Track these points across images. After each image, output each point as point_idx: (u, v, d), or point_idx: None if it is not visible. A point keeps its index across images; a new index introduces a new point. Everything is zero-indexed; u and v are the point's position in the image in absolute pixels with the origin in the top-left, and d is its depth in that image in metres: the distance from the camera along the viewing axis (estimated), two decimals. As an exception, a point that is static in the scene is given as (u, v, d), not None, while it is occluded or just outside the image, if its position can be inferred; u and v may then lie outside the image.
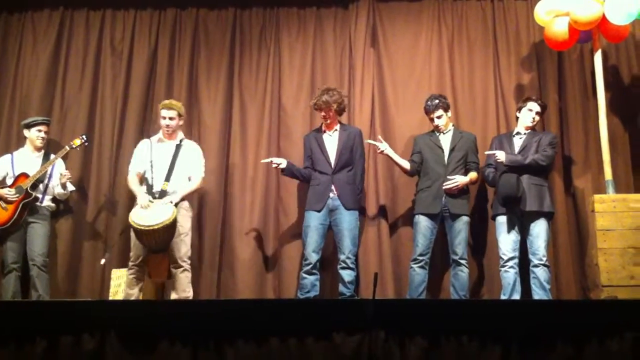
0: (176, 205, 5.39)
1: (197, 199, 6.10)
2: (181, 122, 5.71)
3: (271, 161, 5.72)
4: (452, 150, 5.61)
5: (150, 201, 5.36)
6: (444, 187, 5.47)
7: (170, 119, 5.61)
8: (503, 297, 5.36)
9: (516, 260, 5.38)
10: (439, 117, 5.65)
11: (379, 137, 5.83)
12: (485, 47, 6.41)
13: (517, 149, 5.57)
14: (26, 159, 5.92)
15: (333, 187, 5.60)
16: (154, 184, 5.51)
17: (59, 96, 6.51)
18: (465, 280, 5.46)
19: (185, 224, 5.48)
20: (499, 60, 6.37)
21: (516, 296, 5.32)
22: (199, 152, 5.73)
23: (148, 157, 5.60)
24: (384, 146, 5.66)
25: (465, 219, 5.52)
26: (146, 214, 5.26)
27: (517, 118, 5.72)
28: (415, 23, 6.52)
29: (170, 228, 5.26)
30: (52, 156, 5.84)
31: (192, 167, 5.63)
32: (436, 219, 5.53)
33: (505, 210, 5.41)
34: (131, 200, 6.03)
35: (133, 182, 5.59)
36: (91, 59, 6.58)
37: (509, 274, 5.35)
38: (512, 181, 5.34)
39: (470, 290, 5.68)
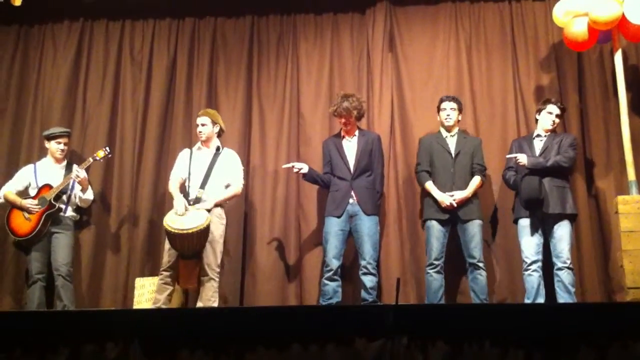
0: (209, 210, 5.42)
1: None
2: (216, 130, 5.73)
3: (292, 166, 5.73)
4: (457, 154, 5.60)
5: (185, 209, 5.40)
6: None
7: (202, 125, 5.68)
8: (527, 300, 5.31)
9: (540, 264, 5.34)
10: (452, 109, 5.65)
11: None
12: (504, 50, 6.37)
13: (537, 151, 5.53)
14: (49, 170, 5.98)
15: (352, 193, 5.60)
16: (190, 191, 5.56)
17: (80, 107, 6.58)
18: (484, 283, 5.43)
19: (217, 232, 5.49)
20: (518, 62, 6.32)
21: (540, 300, 5.28)
22: (237, 160, 5.76)
23: (187, 165, 5.66)
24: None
25: (478, 222, 5.50)
26: (181, 219, 5.31)
27: (536, 120, 5.68)
28: (432, 27, 6.50)
29: (203, 234, 5.29)
30: (75, 166, 5.90)
31: (231, 174, 5.66)
32: (447, 223, 5.51)
33: (528, 213, 5.37)
34: (153, 209, 6.10)
35: (173, 187, 5.63)
36: (111, 69, 6.64)
37: (533, 277, 5.31)
38: (535, 184, 5.31)
39: (495, 294, 5.65)
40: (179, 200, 5.46)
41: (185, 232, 5.20)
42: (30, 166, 6.06)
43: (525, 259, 5.37)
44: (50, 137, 5.98)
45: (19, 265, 6.09)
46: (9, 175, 6.19)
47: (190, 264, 5.44)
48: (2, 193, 5.94)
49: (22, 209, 5.78)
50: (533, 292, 5.28)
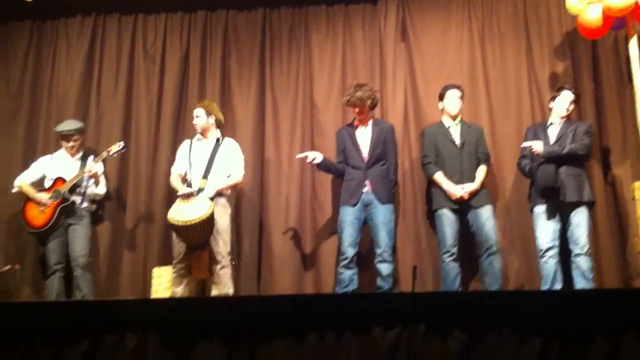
0: (212, 199, 5.44)
1: (234, 198, 6.15)
2: (211, 120, 5.75)
3: (306, 156, 5.74)
4: (463, 143, 5.59)
5: (190, 192, 5.43)
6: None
7: (196, 117, 5.72)
8: (544, 288, 5.28)
9: (556, 250, 5.31)
10: (459, 98, 5.64)
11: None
12: (517, 38, 6.34)
13: (552, 139, 5.50)
14: (64, 162, 6.03)
15: (367, 182, 5.60)
16: (192, 182, 5.59)
17: (94, 101, 6.61)
18: (499, 269, 5.41)
19: (222, 221, 5.52)
20: (532, 50, 6.29)
21: (558, 287, 5.25)
22: (237, 149, 5.78)
23: (187, 156, 5.70)
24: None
25: (489, 206, 5.50)
26: (183, 211, 5.33)
27: (550, 108, 5.66)
28: (445, 16, 6.49)
29: (207, 223, 5.32)
30: (90, 158, 5.93)
31: (231, 164, 5.69)
32: (458, 211, 5.50)
33: (544, 200, 5.34)
34: (168, 199, 6.12)
35: (174, 180, 5.69)
36: (125, 63, 6.67)
37: (549, 265, 5.29)
38: (550, 172, 5.28)
39: (511, 282, 5.63)
40: (182, 186, 5.52)
41: (188, 223, 5.24)
42: (47, 157, 6.12)
43: (541, 247, 5.34)
44: (61, 136, 6.03)
45: (38, 256, 6.12)
46: (25, 169, 6.22)
47: (200, 255, 5.48)
48: (17, 183, 5.98)
49: (35, 201, 5.82)
50: (550, 279, 5.26)
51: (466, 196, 5.45)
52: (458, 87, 5.75)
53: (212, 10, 6.76)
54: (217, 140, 5.74)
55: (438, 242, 5.62)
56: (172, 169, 5.79)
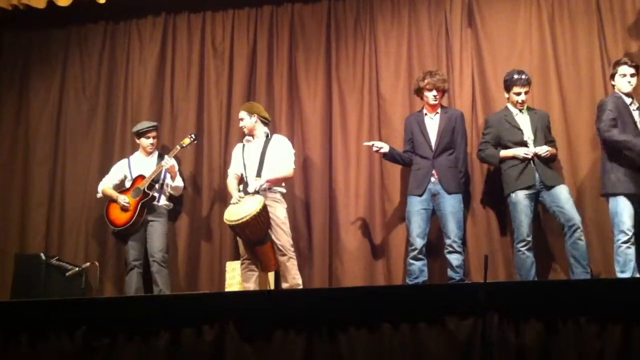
0: (263, 192, 5.57)
1: (303, 191, 6.25)
2: (254, 119, 5.84)
3: (372, 144, 5.74)
4: (535, 130, 5.46)
5: (240, 197, 5.58)
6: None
7: (240, 119, 5.88)
8: (622, 275, 5.11)
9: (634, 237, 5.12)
10: (527, 93, 5.52)
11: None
12: (589, 18, 6.13)
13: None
14: (142, 162, 6.25)
15: (434, 172, 5.56)
16: (248, 181, 5.72)
17: (168, 100, 6.78)
18: (584, 248, 5.24)
19: (280, 214, 5.63)
20: (604, 30, 6.08)
21: (638, 274, 5.09)
22: (286, 144, 5.87)
23: (241, 158, 5.84)
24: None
25: (565, 186, 5.37)
26: (235, 210, 5.48)
27: (613, 87, 5.45)
28: (513, -2, 6.35)
29: (259, 217, 5.43)
30: (166, 156, 6.12)
31: (281, 158, 5.77)
32: (533, 196, 5.36)
33: (624, 188, 5.14)
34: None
35: (230, 183, 5.85)
36: (195, 61, 6.81)
37: (631, 250, 5.08)
38: None
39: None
40: (234, 193, 5.68)
41: (241, 221, 5.37)
42: (125, 160, 6.35)
43: (627, 231, 5.10)
44: (139, 134, 6.23)
45: (120, 254, 6.38)
46: (103, 169, 6.52)
47: (264, 250, 5.61)
48: (100, 189, 6.25)
49: (118, 201, 6.05)
50: (631, 266, 5.07)
51: (541, 152, 5.35)
52: (525, 72, 5.59)
53: (278, 5, 6.81)
54: (267, 137, 5.86)
55: (512, 231, 5.53)
56: (229, 171, 5.95)
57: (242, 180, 5.83)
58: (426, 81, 5.65)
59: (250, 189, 5.63)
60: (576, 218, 5.28)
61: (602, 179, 5.32)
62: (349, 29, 6.64)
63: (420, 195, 5.55)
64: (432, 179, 5.56)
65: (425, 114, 5.75)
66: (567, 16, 6.20)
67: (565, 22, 6.19)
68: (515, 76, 5.53)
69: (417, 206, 5.54)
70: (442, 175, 5.54)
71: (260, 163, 5.72)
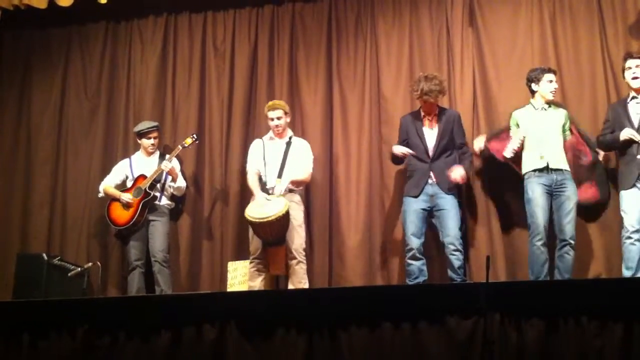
0: (289, 192, 5.59)
1: (304, 190, 6.22)
2: (288, 119, 5.86)
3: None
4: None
5: (267, 199, 5.56)
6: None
7: (278, 118, 5.78)
8: (626, 271, 5.10)
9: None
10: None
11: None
12: (590, 17, 6.12)
13: (633, 115, 5.25)
14: (143, 161, 6.25)
15: (432, 174, 5.55)
16: (267, 181, 5.72)
17: (169, 100, 6.77)
18: (571, 262, 5.25)
19: (298, 217, 5.65)
20: (605, 29, 6.07)
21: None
22: (307, 148, 5.90)
23: (261, 156, 5.82)
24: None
25: (575, 198, 5.32)
26: (260, 207, 5.47)
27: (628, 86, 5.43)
28: (514, -3, 6.35)
29: (283, 219, 5.43)
30: (167, 156, 6.13)
31: (301, 162, 5.78)
32: (549, 191, 5.33)
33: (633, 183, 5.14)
34: (241, 193, 6.26)
35: (252, 182, 5.78)
36: (197, 61, 6.80)
37: (636, 247, 5.09)
38: None
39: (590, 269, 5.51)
40: (258, 193, 5.63)
41: (266, 219, 5.37)
42: (126, 160, 6.35)
43: (629, 227, 5.09)
44: (140, 134, 6.23)
45: (122, 255, 6.38)
46: (104, 169, 6.52)
47: (277, 251, 5.62)
48: (101, 188, 6.26)
49: (119, 200, 6.06)
50: (635, 262, 5.05)
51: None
52: (554, 72, 5.60)
53: (279, 4, 6.81)
54: (290, 139, 5.85)
55: (528, 226, 5.41)
56: (248, 167, 5.90)
57: (259, 179, 5.81)
58: (421, 86, 5.55)
59: (277, 192, 5.60)
60: (570, 233, 5.26)
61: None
62: (349, 28, 6.63)
63: (416, 196, 5.54)
64: (430, 181, 5.55)
65: (424, 117, 5.72)
66: (568, 15, 6.19)
67: (567, 21, 6.18)
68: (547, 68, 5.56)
69: (413, 206, 5.53)
70: (440, 178, 5.52)
71: (282, 165, 5.72)
